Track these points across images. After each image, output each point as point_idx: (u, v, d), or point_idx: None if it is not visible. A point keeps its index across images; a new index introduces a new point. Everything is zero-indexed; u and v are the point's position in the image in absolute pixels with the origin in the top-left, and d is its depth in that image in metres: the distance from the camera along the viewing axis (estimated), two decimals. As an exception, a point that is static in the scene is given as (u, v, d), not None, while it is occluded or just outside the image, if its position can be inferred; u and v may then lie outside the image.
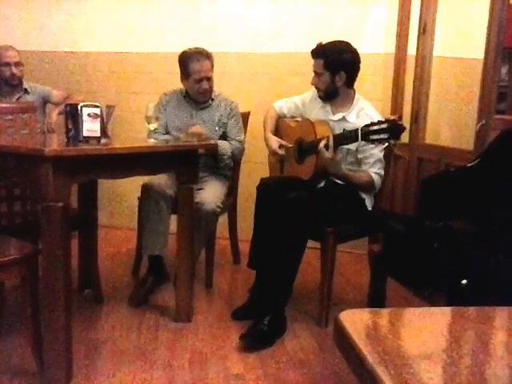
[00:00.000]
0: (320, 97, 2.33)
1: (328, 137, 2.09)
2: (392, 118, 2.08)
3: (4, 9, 3.65)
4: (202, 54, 2.53)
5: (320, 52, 2.23)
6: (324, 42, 2.24)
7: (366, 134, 1.97)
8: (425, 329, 0.84)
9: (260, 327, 2.00)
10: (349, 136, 2.06)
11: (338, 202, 2.18)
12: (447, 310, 0.93)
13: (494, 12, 2.29)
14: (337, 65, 2.21)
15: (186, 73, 2.56)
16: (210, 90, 2.61)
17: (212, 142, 2.44)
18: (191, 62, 2.52)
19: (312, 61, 2.28)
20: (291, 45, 3.23)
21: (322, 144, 2.10)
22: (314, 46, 2.26)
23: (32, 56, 3.34)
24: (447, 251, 1.57)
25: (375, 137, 1.94)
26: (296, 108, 2.50)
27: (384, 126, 1.93)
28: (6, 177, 2.12)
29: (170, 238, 2.42)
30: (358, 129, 2.01)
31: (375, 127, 1.95)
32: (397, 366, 0.71)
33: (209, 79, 2.56)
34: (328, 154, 2.08)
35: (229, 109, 2.68)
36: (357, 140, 2.02)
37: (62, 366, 1.68)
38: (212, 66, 2.57)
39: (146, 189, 2.40)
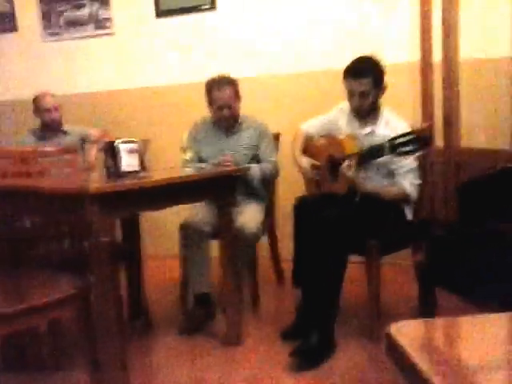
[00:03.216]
0: (359, 115, 2.27)
1: (351, 156, 2.08)
2: (417, 128, 2.05)
3: (39, 62, 3.88)
4: (224, 82, 2.59)
5: (366, 70, 2.14)
6: (359, 60, 2.18)
7: (393, 147, 1.94)
8: (482, 337, 0.82)
9: (309, 343, 1.99)
10: (376, 151, 2.03)
11: (377, 215, 2.16)
12: (505, 316, 0.90)
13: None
14: (381, 79, 2.19)
15: (209, 100, 2.64)
16: (232, 116, 2.66)
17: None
18: (213, 90, 2.60)
19: (338, 74, 2.23)
20: (316, 63, 3.27)
21: (344, 164, 2.09)
22: (352, 66, 2.17)
23: (67, 100, 3.50)
24: (495, 255, 1.54)
25: (403, 149, 1.91)
26: (322, 126, 2.50)
27: (410, 137, 1.90)
28: (53, 216, 2.22)
29: (212, 261, 2.45)
30: (383, 144, 1.99)
31: (402, 139, 1.92)
32: (456, 377, 0.70)
33: (230, 107, 2.61)
34: (350, 174, 2.07)
35: (258, 131, 2.72)
36: (384, 155, 2.00)
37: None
38: (236, 93, 2.63)
39: (184, 231, 2.45)
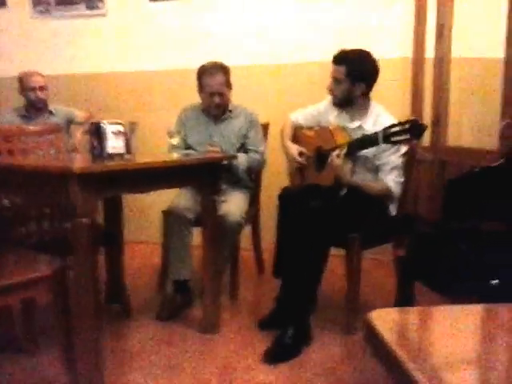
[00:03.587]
0: (335, 103, 2.31)
1: (342, 146, 2.09)
2: (410, 118, 2.06)
3: (27, 39, 3.80)
4: (216, 68, 2.57)
5: (343, 59, 2.19)
6: (347, 49, 2.21)
7: (387, 136, 1.96)
8: (456, 327, 0.83)
9: (284, 341, 1.99)
10: (368, 140, 2.04)
11: (361, 209, 2.17)
12: (479, 307, 0.91)
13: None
14: (358, 74, 2.19)
15: (200, 86, 2.61)
16: (223, 104, 2.64)
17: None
18: (204, 76, 2.57)
19: (330, 67, 2.25)
20: (308, 55, 3.26)
21: (334, 153, 2.10)
22: (336, 52, 2.22)
23: (54, 80, 3.44)
24: (475, 252, 1.55)
25: (397, 138, 1.92)
26: (312, 117, 2.51)
27: (405, 126, 1.92)
28: (35, 195, 2.18)
29: (194, 249, 2.44)
30: (377, 132, 2.00)
31: (396, 128, 1.94)
32: (430, 364, 0.71)
33: (221, 94, 2.59)
34: (338, 162, 2.08)
35: (248, 120, 2.71)
36: (377, 143, 2.01)
37: (94, 380, 1.70)
38: (227, 80, 2.60)
39: (167, 217, 2.44)
